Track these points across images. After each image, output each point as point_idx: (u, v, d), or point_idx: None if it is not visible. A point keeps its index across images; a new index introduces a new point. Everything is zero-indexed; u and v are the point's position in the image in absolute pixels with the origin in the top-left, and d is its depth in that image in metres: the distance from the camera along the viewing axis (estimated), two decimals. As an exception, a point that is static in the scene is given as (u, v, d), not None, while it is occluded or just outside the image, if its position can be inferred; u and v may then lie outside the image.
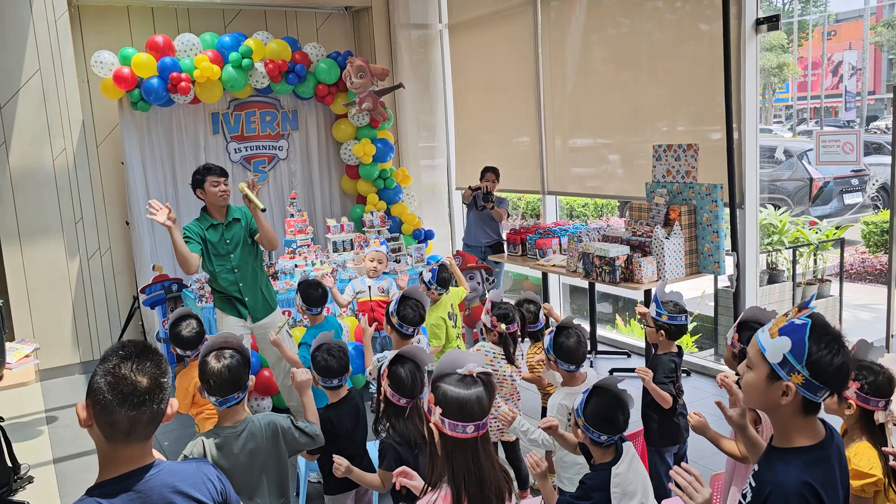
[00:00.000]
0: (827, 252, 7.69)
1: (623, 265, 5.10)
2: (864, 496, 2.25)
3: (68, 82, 6.30)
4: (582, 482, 2.48)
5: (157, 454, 1.81)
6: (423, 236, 7.43)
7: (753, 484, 1.68)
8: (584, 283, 6.13)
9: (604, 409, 2.40)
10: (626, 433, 2.50)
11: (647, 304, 4.71)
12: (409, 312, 3.55)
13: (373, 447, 3.02)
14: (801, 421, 1.67)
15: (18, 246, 6.20)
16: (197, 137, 6.99)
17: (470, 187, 6.61)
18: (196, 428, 3.94)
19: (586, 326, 5.60)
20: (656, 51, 5.64)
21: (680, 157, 5.27)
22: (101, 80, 6.25)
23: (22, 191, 6.18)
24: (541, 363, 3.78)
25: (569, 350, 3.05)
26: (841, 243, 7.18)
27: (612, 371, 5.65)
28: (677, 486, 1.86)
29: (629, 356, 6.12)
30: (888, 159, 11.58)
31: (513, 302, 4.02)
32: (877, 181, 11.48)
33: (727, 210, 5.13)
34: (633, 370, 3.29)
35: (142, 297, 6.16)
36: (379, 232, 6.76)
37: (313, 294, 4.32)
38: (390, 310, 3.60)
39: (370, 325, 3.96)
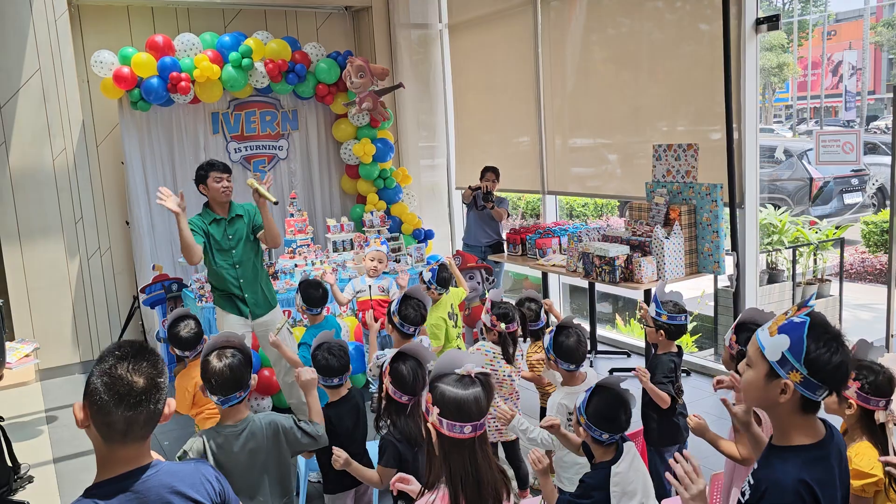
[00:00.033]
0: (827, 252, 7.69)
1: (623, 265, 5.10)
2: (864, 496, 2.26)
3: (68, 82, 6.30)
4: (582, 480, 2.49)
5: (155, 455, 1.81)
6: (423, 236, 7.43)
7: (752, 481, 1.69)
8: (584, 283, 6.13)
9: (606, 407, 2.41)
10: (626, 433, 2.51)
11: (647, 304, 4.71)
12: (411, 312, 3.56)
13: (373, 447, 3.02)
14: (801, 419, 1.67)
15: (18, 246, 6.20)
16: (197, 137, 6.99)
17: (470, 187, 6.61)
18: (196, 428, 3.93)
19: (586, 326, 5.60)
20: (656, 51, 5.64)
21: (680, 156, 5.27)
22: (101, 80, 6.25)
23: (22, 191, 6.18)
24: (541, 362, 3.78)
25: (569, 349, 3.05)
26: (841, 243, 7.18)
27: (611, 371, 5.65)
28: (674, 475, 1.87)
29: (629, 356, 6.12)
30: (883, 159, 11.66)
31: (514, 301, 4.03)
32: (877, 181, 11.49)
33: (727, 210, 5.13)
34: (632, 370, 3.29)
35: (142, 297, 6.16)
36: (379, 232, 6.76)
37: (314, 294, 4.32)
38: (392, 309, 3.60)
39: (376, 322, 3.96)
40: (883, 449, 2.33)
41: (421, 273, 4.75)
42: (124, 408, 1.55)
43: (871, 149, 12.52)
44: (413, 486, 2.23)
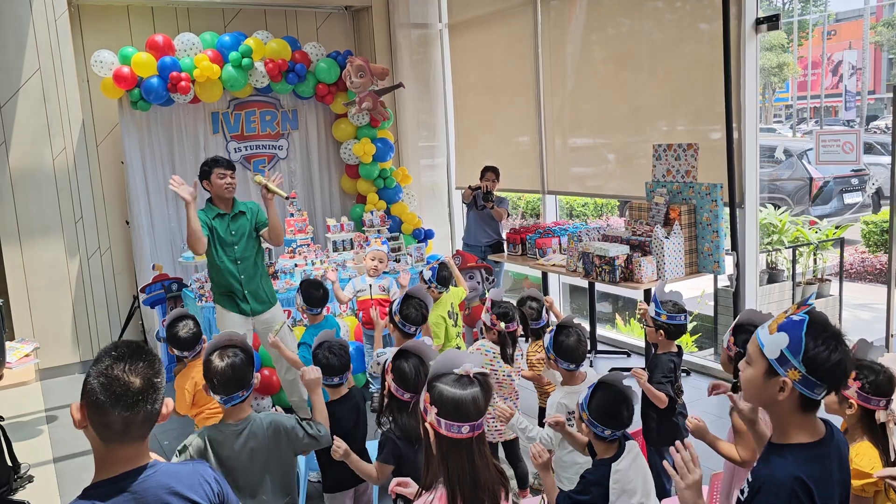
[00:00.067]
0: (827, 252, 7.69)
1: (623, 265, 5.10)
2: (864, 496, 2.26)
3: (68, 82, 6.30)
4: (582, 476, 2.49)
5: (154, 455, 1.81)
6: (423, 236, 7.43)
7: (750, 479, 1.70)
8: (584, 283, 6.13)
9: (608, 404, 2.41)
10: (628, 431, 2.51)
11: (647, 303, 4.71)
12: (412, 312, 3.56)
13: (372, 446, 3.03)
14: (799, 418, 1.68)
15: (18, 245, 6.20)
16: (197, 137, 7.00)
17: (470, 187, 6.61)
18: (195, 429, 3.93)
19: (586, 326, 5.60)
20: (656, 50, 5.64)
21: (680, 156, 5.27)
22: (101, 80, 6.25)
23: (22, 190, 6.18)
24: (541, 361, 3.78)
25: (569, 349, 3.05)
26: (841, 243, 7.18)
27: (611, 370, 5.66)
28: (673, 466, 1.88)
29: (629, 356, 6.13)
30: (879, 159, 11.66)
31: (516, 300, 4.03)
32: (875, 182, 11.49)
33: (727, 209, 5.13)
34: (629, 371, 3.30)
35: (142, 297, 6.16)
36: (379, 231, 6.76)
37: (314, 294, 4.33)
38: (394, 308, 3.61)
39: (381, 319, 3.97)
40: (883, 449, 2.34)
41: (421, 272, 4.76)
42: (121, 408, 1.54)
43: (867, 149, 12.52)
44: (411, 488, 2.23)
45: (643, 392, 3.29)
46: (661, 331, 3.34)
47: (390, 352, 3.39)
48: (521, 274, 8.79)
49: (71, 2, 6.35)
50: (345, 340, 3.21)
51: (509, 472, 3.76)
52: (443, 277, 4.59)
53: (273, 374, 4.83)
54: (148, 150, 6.73)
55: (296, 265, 6.01)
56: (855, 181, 11.40)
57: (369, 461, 3.17)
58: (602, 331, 6.70)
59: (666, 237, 5.10)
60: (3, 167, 6.10)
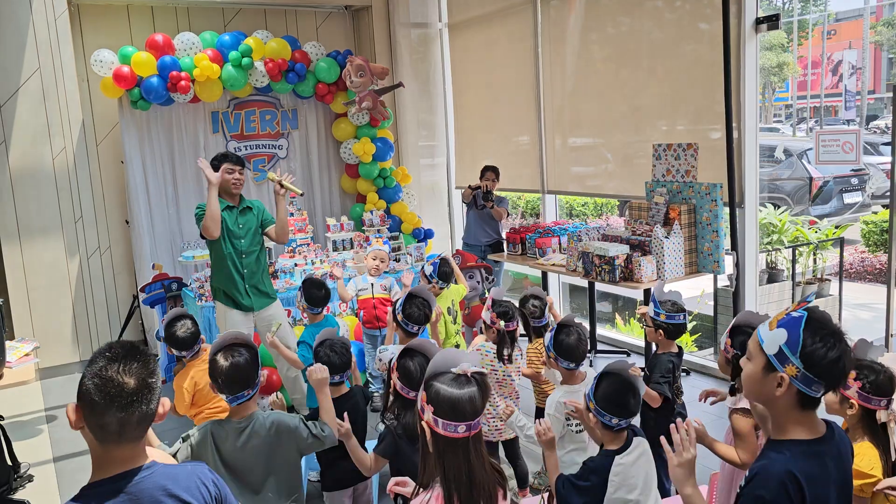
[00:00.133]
0: (826, 251, 7.69)
1: (623, 264, 5.10)
2: (862, 496, 2.26)
3: (68, 81, 6.30)
4: (584, 463, 2.50)
5: (162, 452, 1.81)
6: (423, 235, 7.43)
7: (748, 474, 1.70)
8: (584, 283, 6.13)
9: (614, 392, 2.41)
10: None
11: (646, 303, 4.71)
12: (415, 311, 3.57)
13: (372, 446, 3.02)
14: (798, 415, 1.68)
15: (18, 245, 6.20)
16: (197, 136, 6.99)
17: (470, 186, 6.61)
18: (195, 428, 3.94)
19: (586, 325, 5.60)
20: (656, 50, 5.64)
21: (680, 156, 5.27)
22: (101, 79, 6.25)
23: (22, 190, 6.18)
24: (540, 358, 3.79)
25: (569, 348, 3.05)
26: (840, 242, 7.18)
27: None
28: (670, 442, 1.91)
29: (629, 355, 6.13)
30: (875, 159, 11.65)
31: (518, 298, 4.03)
32: (874, 184, 11.51)
33: (727, 209, 5.13)
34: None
35: (141, 296, 6.16)
36: (379, 231, 6.76)
37: (316, 294, 4.33)
38: (396, 307, 3.61)
39: (376, 322, 3.98)
40: (884, 449, 2.34)
41: (422, 267, 4.77)
42: (116, 409, 1.54)
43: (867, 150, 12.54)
44: (409, 487, 2.23)
45: None
46: (661, 330, 3.34)
47: (393, 349, 3.40)
48: (520, 273, 8.79)
49: (71, 1, 6.35)
50: (346, 339, 3.21)
51: (509, 471, 3.76)
52: (444, 273, 4.62)
53: (273, 373, 4.83)
54: (148, 150, 6.73)
55: (296, 265, 6.01)
56: (854, 181, 11.39)
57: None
58: (602, 330, 6.70)
59: (666, 237, 5.10)
60: (2, 167, 6.10)
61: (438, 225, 8.10)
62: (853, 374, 2.35)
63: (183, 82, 6.26)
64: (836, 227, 8.61)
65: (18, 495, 4.15)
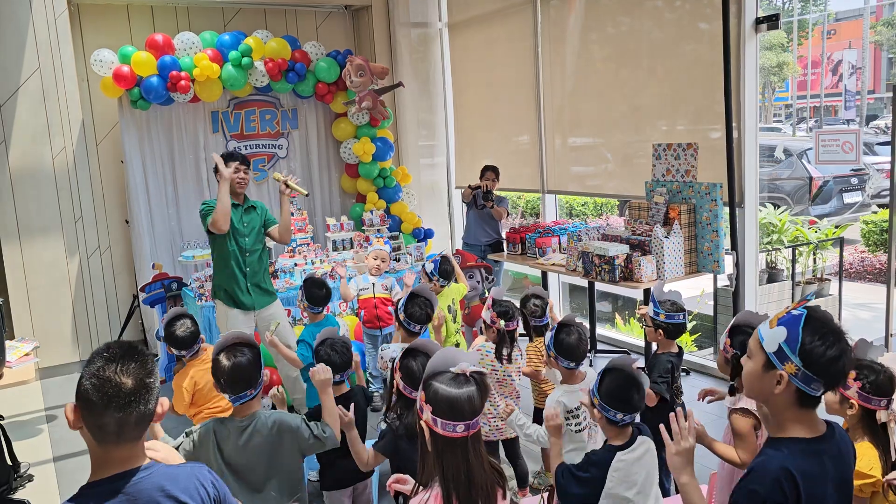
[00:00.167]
0: (826, 251, 7.69)
1: (622, 264, 5.10)
2: (861, 496, 2.26)
3: (68, 81, 6.29)
4: (586, 455, 2.52)
5: (167, 445, 1.81)
6: (423, 235, 7.43)
7: (746, 470, 1.71)
8: (584, 282, 6.13)
9: (618, 388, 2.42)
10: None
11: (646, 303, 4.72)
12: (417, 310, 3.57)
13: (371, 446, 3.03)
14: (797, 413, 1.69)
15: (18, 245, 6.20)
16: (197, 136, 6.99)
17: (470, 186, 6.61)
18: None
19: (586, 325, 5.60)
20: (656, 50, 5.64)
21: (679, 155, 5.27)
22: (101, 79, 6.25)
23: (22, 189, 6.18)
24: (539, 356, 3.79)
25: (569, 347, 3.05)
26: (840, 242, 7.18)
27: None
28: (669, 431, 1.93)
29: (629, 355, 6.11)
30: (869, 158, 11.65)
31: (520, 298, 4.04)
32: (872, 185, 11.52)
33: (727, 209, 5.13)
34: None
35: (141, 296, 6.16)
36: (379, 231, 6.76)
37: (317, 293, 4.33)
38: (399, 307, 3.62)
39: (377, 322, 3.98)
40: (884, 449, 2.33)
41: (423, 265, 4.78)
42: (114, 409, 1.54)
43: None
44: (409, 485, 2.23)
45: None
46: (660, 330, 3.34)
47: (394, 347, 3.40)
48: (520, 273, 8.79)
49: (71, 1, 6.35)
50: (347, 338, 3.21)
51: (509, 472, 3.76)
52: (445, 271, 4.64)
53: (274, 372, 4.83)
54: (148, 150, 6.73)
55: (295, 264, 6.01)
56: (854, 181, 11.40)
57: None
58: (602, 330, 6.70)
59: (665, 237, 5.10)
60: (2, 166, 6.10)
61: (438, 225, 8.10)
62: (853, 374, 2.35)
63: (183, 82, 6.26)
64: (836, 227, 8.61)
65: (18, 495, 4.15)
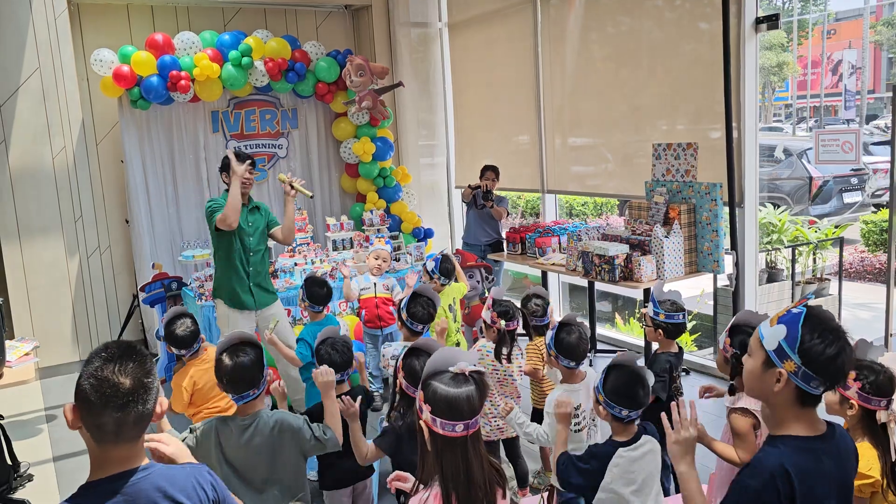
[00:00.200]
0: (826, 251, 7.69)
1: (622, 264, 5.10)
2: (860, 496, 2.26)
3: (68, 80, 6.29)
4: (589, 447, 2.53)
5: (174, 438, 1.81)
6: (423, 235, 7.43)
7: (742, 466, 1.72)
8: (584, 282, 6.13)
9: (622, 385, 2.43)
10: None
11: (646, 303, 4.72)
12: (419, 310, 3.57)
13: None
14: (796, 411, 1.69)
15: (18, 244, 6.20)
16: (196, 136, 7.00)
17: (470, 186, 6.61)
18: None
19: (586, 325, 5.60)
20: (656, 49, 5.64)
21: (679, 155, 5.27)
22: (101, 79, 6.25)
23: (21, 189, 6.18)
24: (538, 354, 3.79)
25: (570, 346, 3.05)
26: (840, 242, 7.18)
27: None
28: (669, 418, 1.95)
29: (632, 352, 6.11)
30: (864, 158, 11.67)
31: (521, 297, 4.04)
32: (873, 187, 11.53)
33: (727, 209, 5.13)
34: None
35: (141, 296, 6.16)
36: (379, 230, 6.76)
37: (318, 292, 4.33)
38: (401, 307, 3.62)
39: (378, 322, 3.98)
40: (884, 449, 2.33)
41: (424, 264, 4.78)
42: (112, 409, 1.54)
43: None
44: (410, 483, 2.23)
45: None
46: (660, 330, 3.34)
47: (396, 345, 3.40)
48: (520, 273, 8.80)
49: (71, 0, 6.35)
50: (347, 337, 3.20)
51: (509, 472, 3.77)
52: (446, 269, 4.65)
53: (276, 372, 4.83)
54: (148, 149, 6.73)
55: (295, 264, 6.01)
56: (854, 180, 11.40)
57: (369, 465, 3.18)
58: (602, 330, 6.70)
59: (665, 236, 5.10)
60: (2, 166, 6.10)
61: (438, 224, 8.10)
62: (853, 374, 2.34)
63: (183, 82, 6.26)
64: (836, 227, 8.61)
65: (18, 495, 4.16)
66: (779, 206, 9.23)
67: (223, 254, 4.53)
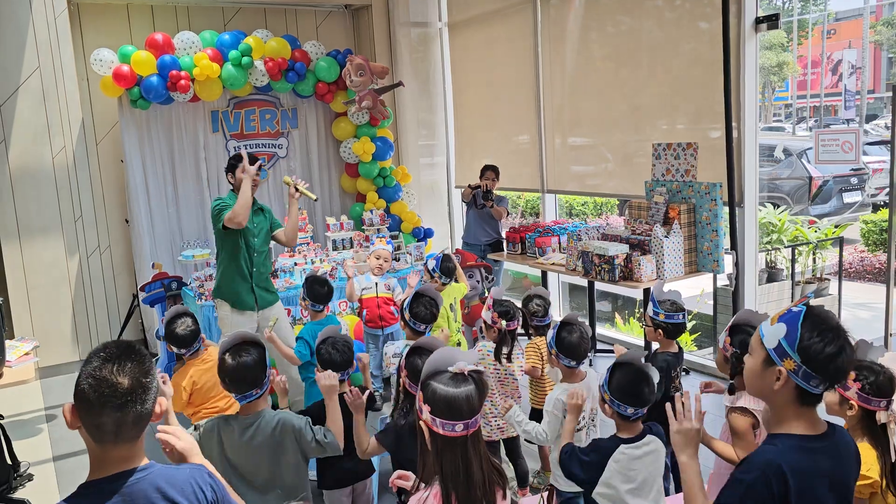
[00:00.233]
0: (826, 251, 7.69)
1: (622, 264, 5.11)
2: (859, 497, 2.26)
3: (68, 80, 6.29)
4: (594, 441, 2.56)
5: (174, 420, 1.82)
6: (423, 234, 7.43)
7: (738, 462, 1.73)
8: (584, 282, 6.13)
9: (628, 382, 2.44)
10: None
11: (645, 303, 4.71)
12: (422, 310, 3.58)
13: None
14: (796, 409, 1.69)
15: (18, 244, 6.20)
16: (196, 135, 6.99)
17: (469, 185, 6.61)
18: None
19: (587, 324, 5.60)
20: (656, 49, 5.64)
21: (679, 155, 5.27)
22: (101, 78, 6.25)
23: (21, 189, 6.18)
24: (536, 353, 3.80)
25: (571, 345, 3.05)
26: (840, 242, 7.18)
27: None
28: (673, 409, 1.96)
29: (638, 349, 6.11)
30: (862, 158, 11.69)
31: (517, 297, 4.04)
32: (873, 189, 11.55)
33: (726, 209, 5.14)
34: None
35: (141, 295, 6.16)
36: (379, 230, 6.76)
37: (319, 291, 4.33)
38: (404, 307, 3.62)
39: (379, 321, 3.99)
40: (883, 450, 2.33)
41: (425, 263, 4.78)
42: (110, 409, 1.53)
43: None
44: (411, 482, 2.23)
45: None
46: (660, 330, 3.34)
47: (398, 344, 3.40)
48: (520, 273, 8.80)
49: (71, 0, 6.35)
50: (349, 337, 3.20)
51: (510, 473, 3.77)
52: (447, 268, 4.66)
53: (276, 373, 4.83)
54: (147, 149, 6.73)
55: (295, 264, 6.01)
56: (854, 180, 11.40)
57: (369, 465, 3.19)
58: (601, 329, 6.70)
59: (665, 236, 5.10)
60: (2, 166, 6.10)
61: (438, 224, 8.10)
62: (852, 374, 2.34)
63: (183, 81, 6.26)
64: (836, 227, 8.61)
65: (18, 494, 4.16)
66: (779, 206, 9.23)
67: (227, 254, 4.52)
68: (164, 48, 6.29)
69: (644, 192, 5.57)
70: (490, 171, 6.46)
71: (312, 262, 6.06)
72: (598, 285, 6.35)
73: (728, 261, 5.27)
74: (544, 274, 6.38)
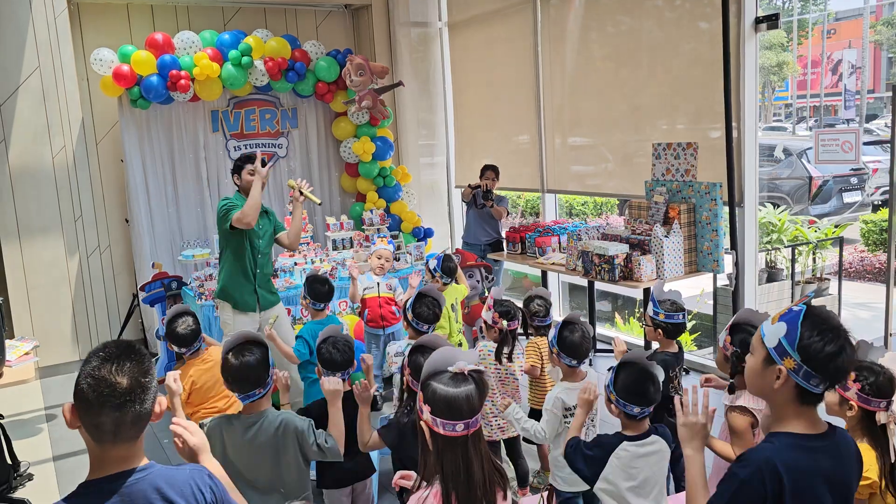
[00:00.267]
0: (826, 251, 7.69)
1: (622, 263, 5.11)
2: (858, 497, 2.26)
3: (68, 80, 6.29)
4: (598, 436, 2.57)
5: (205, 437, 1.82)
6: (423, 234, 7.43)
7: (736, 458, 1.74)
8: (584, 282, 6.13)
9: (633, 382, 2.45)
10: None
11: (645, 302, 4.71)
12: (425, 310, 3.58)
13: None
14: (796, 409, 1.69)
15: (18, 244, 6.20)
16: (196, 135, 6.99)
17: (469, 185, 6.61)
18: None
19: (588, 324, 5.59)
20: (656, 49, 5.64)
21: (679, 155, 5.27)
22: (101, 78, 6.25)
23: (21, 189, 6.18)
24: (536, 352, 3.80)
25: (572, 344, 3.05)
26: (840, 242, 7.18)
27: (610, 369, 5.64)
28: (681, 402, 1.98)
29: (641, 349, 6.11)
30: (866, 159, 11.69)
31: (518, 297, 4.04)
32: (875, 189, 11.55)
33: (726, 208, 5.14)
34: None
35: (141, 295, 6.16)
36: (379, 230, 6.77)
37: (319, 290, 4.32)
38: (406, 307, 3.63)
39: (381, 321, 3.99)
40: (883, 451, 2.33)
41: (427, 262, 4.78)
42: (109, 409, 1.54)
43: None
44: (412, 480, 2.23)
45: None
46: (660, 330, 3.34)
47: (400, 343, 3.40)
48: (520, 273, 8.80)
49: (70, 0, 6.34)
50: (350, 337, 3.20)
51: (511, 473, 3.77)
52: (448, 268, 4.66)
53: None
54: (147, 149, 6.73)
55: (295, 264, 6.01)
56: (854, 180, 11.41)
57: (369, 460, 3.19)
58: (602, 329, 6.70)
59: (665, 236, 5.10)
60: (2, 166, 6.10)
61: (438, 224, 8.10)
62: (852, 375, 2.34)
63: (183, 81, 6.26)
64: (836, 227, 8.62)
65: (18, 494, 4.16)
66: (779, 206, 9.24)
67: (232, 254, 4.52)
68: (164, 48, 6.29)
69: (644, 192, 5.57)
70: (490, 170, 6.46)
71: (312, 262, 6.06)
72: (598, 285, 6.35)
73: (728, 261, 5.27)
74: (544, 274, 6.38)
